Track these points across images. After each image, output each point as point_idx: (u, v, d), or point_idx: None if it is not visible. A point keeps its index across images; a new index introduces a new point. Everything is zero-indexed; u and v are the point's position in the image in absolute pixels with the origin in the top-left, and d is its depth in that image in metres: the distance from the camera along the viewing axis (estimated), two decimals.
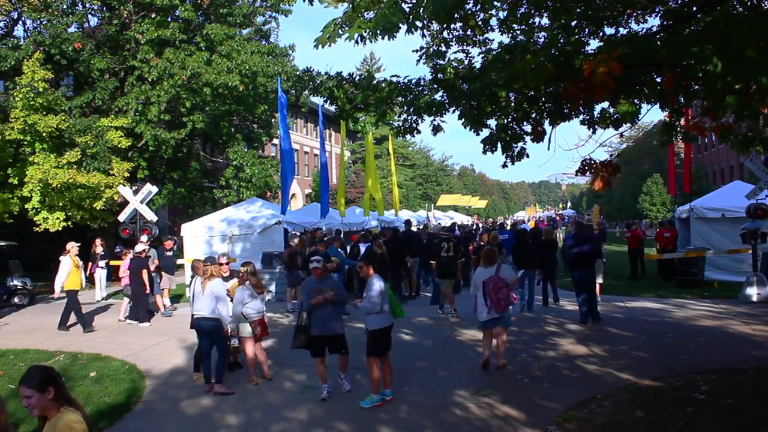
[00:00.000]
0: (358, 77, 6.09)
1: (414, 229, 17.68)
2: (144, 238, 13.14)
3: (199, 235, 15.51)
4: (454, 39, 6.26)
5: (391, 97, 5.75)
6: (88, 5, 18.65)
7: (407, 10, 4.83)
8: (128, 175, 16.97)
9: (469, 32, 6.15)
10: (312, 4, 5.55)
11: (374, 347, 6.32)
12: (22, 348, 9.49)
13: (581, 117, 6.25)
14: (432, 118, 6.06)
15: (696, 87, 5.18)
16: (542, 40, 6.03)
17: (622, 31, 5.92)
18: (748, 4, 5.23)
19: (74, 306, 10.89)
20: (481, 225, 31.04)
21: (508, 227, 23.46)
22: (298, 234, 14.24)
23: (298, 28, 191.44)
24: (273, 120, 23.30)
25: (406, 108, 6.04)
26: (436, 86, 5.78)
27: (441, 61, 6.01)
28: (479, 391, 6.61)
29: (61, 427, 2.88)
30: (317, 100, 15.55)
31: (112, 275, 16.87)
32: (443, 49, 6.21)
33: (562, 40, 5.49)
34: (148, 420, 6.20)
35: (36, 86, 14.66)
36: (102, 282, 15.49)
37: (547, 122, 6.13)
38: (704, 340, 8.71)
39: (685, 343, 8.56)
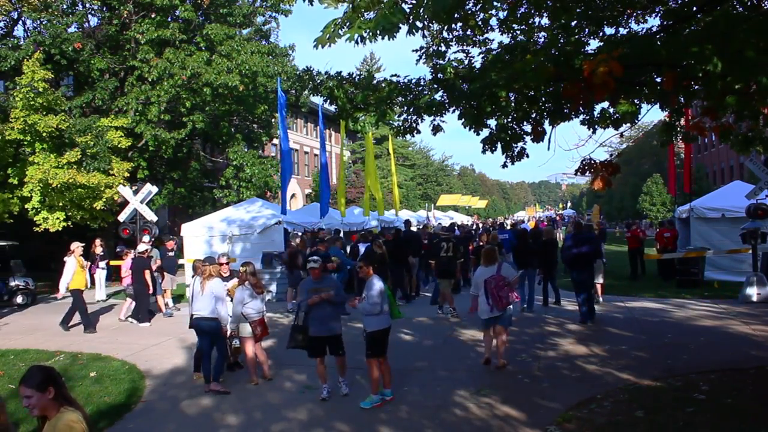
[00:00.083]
0: (358, 77, 6.09)
1: (414, 229, 17.68)
2: (146, 238, 13.14)
3: (199, 235, 15.51)
4: (454, 39, 6.26)
5: (391, 97, 5.75)
6: (88, 5, 18.65)
7: (407, 10, 4.82)
8: (128, 175, 16.97)
9: (469, 32, 6.15)
10: (312, 4, 5.55)
11: (373, 348, 6.31)
12: (22, 348, 9.49)
13: (581, 117, 6.25)
14: (432, 118, 6.06)
15: (696, 87, 5.17)
16: (542, 40, 6.02)
17: (622, 31, 5.92)
18: (748, 4, 5.23)
19: (80, 306, 10.89)
20: (480, 225, 31.03)
21: (508, 227, 23.46)
22: (300, 234, 14.23)
23: (298, 28, 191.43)
24: (273, 120, 23.31)
25: (406, 108, 6.04)
26: (436, 86, 5.78)
27: (441, 61, 6.00)
28: (479, 391, 6.60)
29: (61, 427, 2.88)
30: (317, 100, 15.57)
31: (112, 275, 16.88)
32: (443, 49, 6.21)
33: (562, 40, 5.48)
34: (148, 420, 6.20)
35: (36, 86, 14.66)
36: (101, 282, 15.49)
37: (547, 122, 6.13)
38: (704, 340, 8.71)
39: (685, 343, 8.56)
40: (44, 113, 14.93)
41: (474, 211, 58.58)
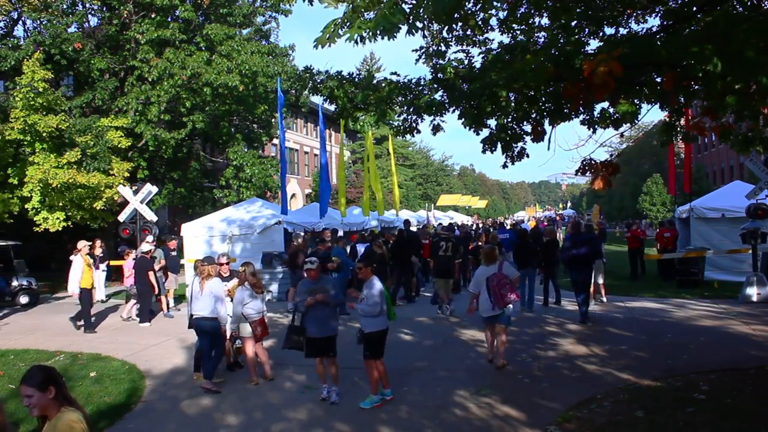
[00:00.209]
0: (358, 77, 6.09)
1: (413, 229, 17.68)
2: (150, 238, 13.13)
3: (199, 235, 15.51)
4: (454, 39, 6.26)
5: (391, 96, 5.75)
6: (88, 5, 18.65)
7: (407, 10, 4.82)
8: (128, 175, 16.98)
9: (469, 32, 6.14)
10: (312, 4, 5.55)
11: (372, 349, 6.29)
12: (22, 348, 9.49)
13: (581, 117, 6.24)
14: (432, 117, 6.06)
15: (696, 87, 5.17)
16: (542, 40, 6.02)
17: (622, 31, 5.92)
18: (748, 4, 5.23)
19: (84, 305, 10.90)
20: (480, 225, 31.01)
21: (508, 227, 23.49)
22: (302, 234, 14.23)
23: (298, 28, 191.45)
24: (273, 120, 23.30)
25: (406, 107, 6.04)
26: (436, 86, 5.78)
27: (441, 61, 6.00)
28: (479, 391, 6.60)
29: (61, 426, 2.89)
30: (317, 99, 15.57)
31: (112, 275, 16.87)
32: (443, 49, 6.20)
33: (562, 40, 5.48)
34: (148, 420, 6.20)
35: (36, 86, 14.66)
36: (101, 283, 15.48)
37: (547, 122, 6.12)
38: (704, 340, 8.71)
39: (685, 343, 8.56)
40: (44, 113, 14.93)
41: (474, 211, 58.59)
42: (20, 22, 18.96)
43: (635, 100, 5.66)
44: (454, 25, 5.99)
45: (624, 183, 45.08)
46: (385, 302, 6.34)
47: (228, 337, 7.57)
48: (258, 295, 7.31)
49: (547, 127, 6.11)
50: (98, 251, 15.50)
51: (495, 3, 5.57)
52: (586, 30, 5.87)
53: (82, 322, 11.04)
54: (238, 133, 21.61)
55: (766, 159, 11.72)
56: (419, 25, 5.44)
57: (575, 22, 5.69)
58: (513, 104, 5.70)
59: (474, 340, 9.24)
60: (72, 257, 11.16)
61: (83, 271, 10.87)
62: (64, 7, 18.07)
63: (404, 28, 4.91)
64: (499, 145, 6.21)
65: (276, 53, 20.89)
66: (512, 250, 13.00)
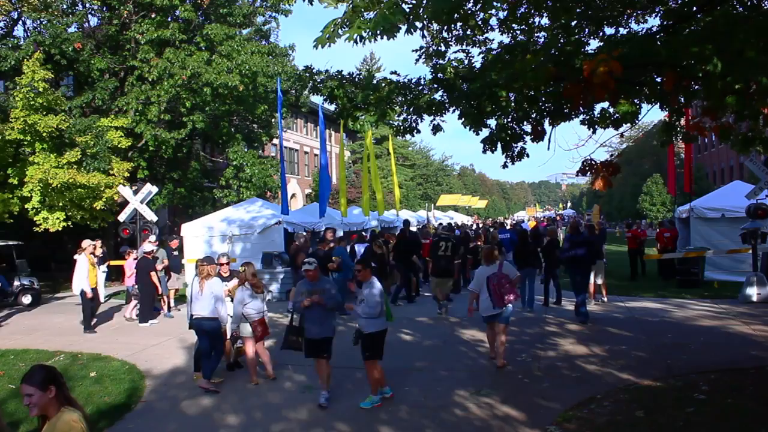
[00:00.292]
0: (358, 77, 6.09)
1: (413, 229, 17.68)
2: (153, 238, 13.13)
3: (199, 235, 15.51)
4: (453, 39, 6.26)
5: (391, 96, 5.75)
6: (88, 5, 18.63)
7: (407, 10, 4.83)
8: (128, 175, 16.97)
9: (469, 32, 6.14)
10: (312, 4, 5.55)
11: (373, 350, 6.28)
12: (22, 348, 9.49)
13: (581, 117, 6.24)
14: (432, 117, 6.05)
15: (696, 87, 5.17)
16: (542, 40, 6.02)
17: (622, 31, 5.91)
18: (748, 4, 5.23)
19: (85, 304, 10.91)
20: (480, 225, 31.00)
21: (508, 227, 23.51)
22: (304, 233, 14.22)
23: (298, 28, 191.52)
24: (273, 120, 23.29)
25: (406, 107, 6.04)
26: (436, 86, 5.78)
27: (441, 61, 6.00)
28: (479, 391, 6.61)
29: (60, 426, 2.89)
30: (317, 99, 15.54)
31: (112, 276, 16.86)
32: (443, 48, 6.20)
33: (562, 40, 5.48)
34: (148, 420, 6.20)
35: (36, 86, 14.66)
36: (101, 283, 15.47)
37: (547, 122, 6.12)
38: (704, 340, 8.71)
39: (685, 343, 8.57)
40: (44, 113, 14.93)
41: (474, 211, 58.59)
42: (20, 22, 18.95)
43: (635, 100, 5.65)
44: (454, 25, 5.98)
45: (624, 183, 45.04)
46: (383, 302, 6.33)
47: (228, 337, 7.58)
48: (258, 295, 7.32)
49: (547, 127, 6.11)
50: (98, 251, 15.51)
51: (495, 3, 5.56)
52: (586, 30, 5.87)
53: (94, 320, 11.15)
54: (238, 133, 21.60)
55: (766, 159, 11.72)
56: (419, 25, 5.44)
57: (575, 22, 5.69)
58: (513, 104, 5.70)
59: (474, 340, 9.24)
60: (76, 256, 11.16)
61: (88, 270, 10.90)
62: (64, 7, 18.05)
63: (404, 28, 4.92)
64: (499, 145, 6.20)
65: (276, 53, 20.87)
66: (512, 250, 13.01)
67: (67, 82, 19.99)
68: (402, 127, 6.46)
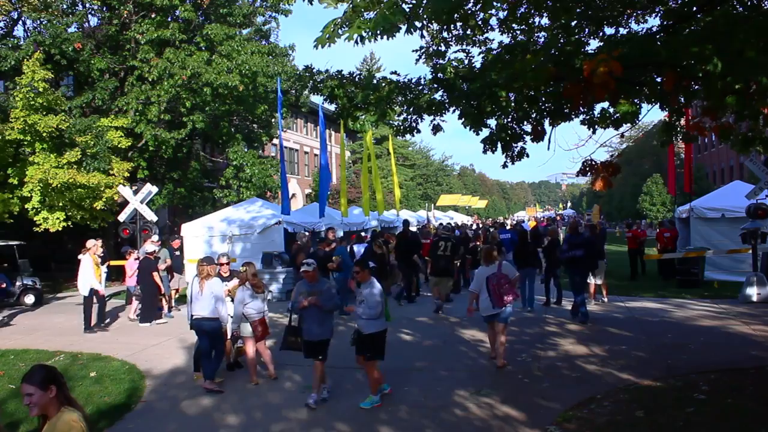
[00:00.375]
0: (358, 77, 6.09)
1: (413, 229, 17.68)
2: (155, 238, 13.14)
3: (199, 235, 15.51)
4: (453, 39, 6.26)
5: (391, 96, 5.74)
6: (88, 5, 18.63)
7: (407, 10, 4.83)
8: (128, 175, 16.97)
9: (469, 32, 6.14)
10: (312, 4, 5.55)
11: (374, 350, 6.28)
12: (22, 348, 9.49)
13: (581, 117, 6.24)
14: (432, 117, 6.05)
15: (696, 87, 5.17)
16: (542, 40, 6.02)
17: (622, 31, 5.92)
18: (748, 4, 5.23)
19: (87, 303, 10.93)
20: (480, 225, 31.00)
21: (508, 227, 23.52)
22: (307, 233, 14.21)
23: (298, 28, 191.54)
24: (273, 120, 23.29)
25: (406, 107, 6.03)
26: (436, 86, 5.77)
27: (441, 61, 6.00)
28: (479, 391, 6.61)
29: (60, 426, 2.89)
30: (317, 99, 15.53)
31: (112, 276, 16.85)
32: (443, 48, 6.20)
33: (562, 40, 5.48)
34: (148, 420, 6.20)
35: (36, 86, 14.66)
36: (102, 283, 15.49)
37: (547, 122, 6.12)
38: (704, 340, 8.71)
39: (685, 343, 8.57)
40: (44, 113, 14.93)
41: (474, 211, 58.58)
42: (20, 22, 18.95)
43: (635, 100, 5.65)
44: (453, 25, 5.99)
45: (624, 183, 45.02)
46: (384, 303, 6.33)
47: (229, 337, 7.58)
48: (258, 295, 7.32)
49: (547, 127, 6.11)
50: (98, 251, 15.51)
51: (495, 3, 5.56)
52: (586, 30, 5.87)
53: (107, 320, 11.19)
54: (238, 133, 21.60)
55: (766, 159, 11.72)
56: (419, 25, 5.44)
57: (575, 22, 5.69)
58: (513, 104, 5.70)
59: (474, 340, 9.24)
60: (80, 256, 11.15)
61: (92, 269, 10.91)
62: (64, 7, 18.05)
63: (404, 27, 4.92)
64: (499, 145, 6.20)
65: (276, 53, 20.87)
66: (512, 250, 13.01)
67: (67, 82, 19.99)
68: (402, 127, 6.45)
